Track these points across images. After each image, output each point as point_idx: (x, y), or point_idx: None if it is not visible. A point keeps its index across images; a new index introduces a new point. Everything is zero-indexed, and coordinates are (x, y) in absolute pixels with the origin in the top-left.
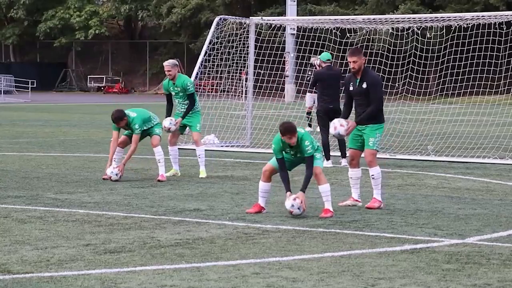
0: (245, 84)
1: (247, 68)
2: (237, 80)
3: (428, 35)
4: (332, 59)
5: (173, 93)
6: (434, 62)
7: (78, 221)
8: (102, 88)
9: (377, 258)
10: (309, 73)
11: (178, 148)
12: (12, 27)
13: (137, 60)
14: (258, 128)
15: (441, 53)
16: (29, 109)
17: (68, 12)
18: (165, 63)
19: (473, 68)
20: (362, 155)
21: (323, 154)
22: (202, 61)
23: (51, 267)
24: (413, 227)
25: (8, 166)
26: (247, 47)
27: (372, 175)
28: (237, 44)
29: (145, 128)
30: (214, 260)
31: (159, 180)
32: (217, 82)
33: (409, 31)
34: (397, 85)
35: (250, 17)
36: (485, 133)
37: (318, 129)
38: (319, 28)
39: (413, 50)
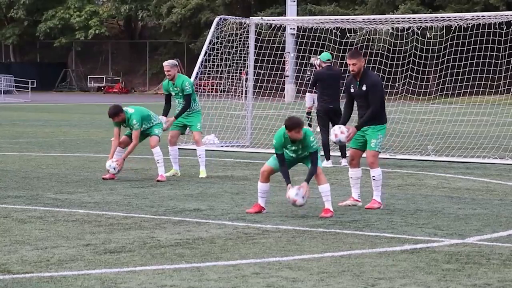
0: (245, 84)
1: (247, 68)
2: (237, 80)
3: (428, 35)
4: (332, 59)
5: (173, 93)
6: (434, 62)
7: (78, 221)
8: (102, 88)
9: (377, 258)
10: (308, 73)
11: (178, 148)
12: (12, 27)
13: (137, 60)
14: (258, 128)
15: (441, 53)
16: (29, 109)
17: (68, 12)
18: (165, 63)
19: (473, 68)
20: (363, 155)
21: (323, 154)
22: (202, 61)
23: (51, 267)
24: (413, 227)
25: (8, 166)
26: (247, 47)
27: (373, 176)
28: (237, 44)
29: (145, 126)
30: (214, 260)
31: (158, 180)
32: (217, 82)
33: (409, 31)
34: (397, 85)
35: (250, 17)
36: (485, 133)
37: (318, 129)
38: (319, 28)
39: (413, 50)
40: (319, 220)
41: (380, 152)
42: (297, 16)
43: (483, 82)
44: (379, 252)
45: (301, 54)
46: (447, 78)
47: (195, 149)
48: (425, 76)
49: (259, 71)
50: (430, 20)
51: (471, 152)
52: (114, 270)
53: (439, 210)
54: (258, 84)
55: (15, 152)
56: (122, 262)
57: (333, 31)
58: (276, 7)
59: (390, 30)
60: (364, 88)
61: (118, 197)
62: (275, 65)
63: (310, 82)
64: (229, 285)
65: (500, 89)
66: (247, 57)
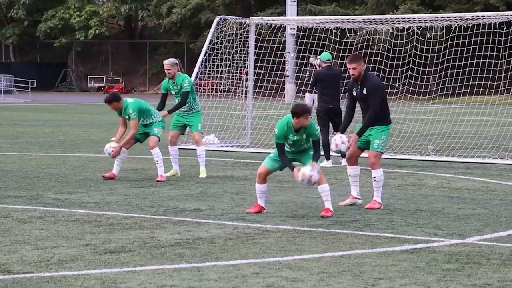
0: (245, 84)
1: (247, 68)
2: (237, 80)
3: (428, 35)
4: (332, 59)
5: (172, 92)
6: (434, 62)
7: (78, 221)
8: (102, 88)
9: (377, 258)
10: (308, 73)
11: (178, 148)
12: (12, 27)
13: (137, 60)
14: (258, 128)
15: (441, 53)
16: (29, 109)
17: (68, 12)
18: (165, 62)
19: (473, 68)
20: (363, 154)
21: (323, 154)
22: (202, 61)
23: (51, 267)
24: (413, 227)
25: (8, 166)
26: (247, 47)
27: (374, 177)
28: (237, 44)
29: (144, 121)
30: (214, 260)
31: (158, 181)
32: (217, 82)
33: (409, 31)
34: (397, 85)
35: (250, 17)
36: (485, 133)
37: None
38: (319, 28)
39: (413, 50)
40: (319, 220)
41: (382, 153)
42: (297, 16)
43: (483, 82)
44: (379, 252)
45: (301, 54)
46: (447, 78)
47: (195, 149)
48: (425, 76)
49: (259, 71)
50: (430, 20)
51: (471, 152)
52: (114, 270)
53: (439, 210)
54: (258, 84)
55: (15, 152)
56: (122, 262)
57: (333, 31)
58: (276, 7)
59: (390, 30)
60: (365, 91)
61: (118, 197)
62: (275, 65)
63: (310, 82)
64: (229, 285)
65: (500, 89)
66: (247, 57)
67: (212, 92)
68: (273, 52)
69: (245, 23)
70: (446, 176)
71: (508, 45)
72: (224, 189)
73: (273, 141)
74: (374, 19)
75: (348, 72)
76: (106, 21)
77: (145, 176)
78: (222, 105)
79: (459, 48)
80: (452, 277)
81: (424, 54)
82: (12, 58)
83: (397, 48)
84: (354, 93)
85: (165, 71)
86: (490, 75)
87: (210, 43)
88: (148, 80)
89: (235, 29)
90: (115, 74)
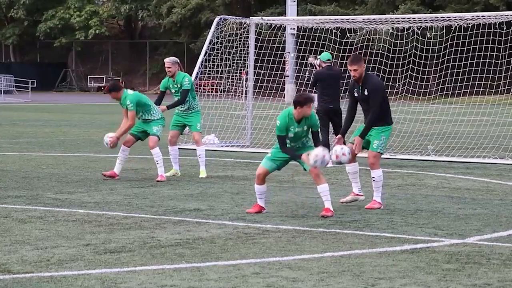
0: (245, 84)
1: (247, 68)
2: (237, 80)
3: (428, 35)
4: (332, 59)
5: (172, 91)
6: (434, 62)
7: (78, 221)
8: (102, 88)
9: (377, 258)
10: (307, 73)
11: (178, 148)
12: (12, 27)
13: (137, 60)
14: (258, 128)
15: (441, 53)
16: (29, 109)
17: (68, 12)
18: (166, 60)
19: (473, 68)
20: (363, 154)
21: None
22: (202, 61)
23: (51, 267)
24: (413, 227)
25: (8, 166)
26: (247, 47)
27: (373, 177)
28: (237, 44)
29: (143, 116)
30: (214, 260)
31: (158, 181)
32: (217, 82)
33: (409, 31)
34: (397, 85)
35: (250, 17)
36: (485, 133)
37: None
38: (319, 28)
39: (413, 50)
40: (319, 220)
41: (382, 154)
42: (297, 16)
43: (483, 82)
44: (379, 252)
45: (301, 54)
46: (447, 78)
47: (195, 149)
48: (425, 76)
49: (259, 71)
50: (430, 20)
51: (471, 152)
52: (114, 270)
53: (439, 210)
54: (258, 84)
55: (15, 152)
56: (122, 262)
57: (333, 31)
58: (276, 7)
59: (390, 30)
60: (366, 92)
61: (118, 197)
62: (275, 65)
63: (310, 82)
64: (229, 285)
65: (500, 89)
66: (247, 57)
67: (212, 92)
68: (273, 52)
69: (245, 23)
70: (446, 176)
71: (508, 45)
72: (224, 189)
73: (273, 141)
74: (374, 19)
75: (348, 72)
76: (106, 21)
77: (145, 176)
78: (222, 105)
79: (459, 48)
80: (452, 277)
81: (424, 54)
82: (12, 58)
83: (397, 48)
84: (356, 94)
85: (166, 69)
86: (490, 75)
87: (210, 43)
88: (148, 80)
89: (235, 29)
90: (115, 74)
